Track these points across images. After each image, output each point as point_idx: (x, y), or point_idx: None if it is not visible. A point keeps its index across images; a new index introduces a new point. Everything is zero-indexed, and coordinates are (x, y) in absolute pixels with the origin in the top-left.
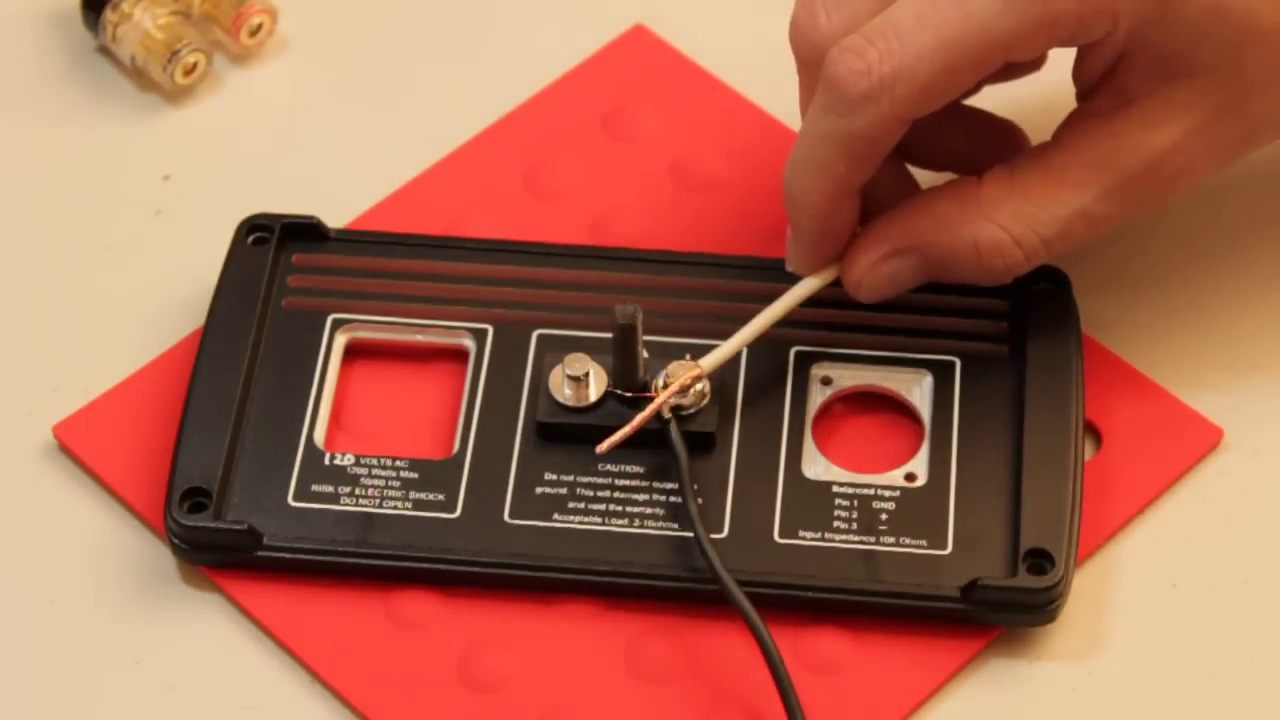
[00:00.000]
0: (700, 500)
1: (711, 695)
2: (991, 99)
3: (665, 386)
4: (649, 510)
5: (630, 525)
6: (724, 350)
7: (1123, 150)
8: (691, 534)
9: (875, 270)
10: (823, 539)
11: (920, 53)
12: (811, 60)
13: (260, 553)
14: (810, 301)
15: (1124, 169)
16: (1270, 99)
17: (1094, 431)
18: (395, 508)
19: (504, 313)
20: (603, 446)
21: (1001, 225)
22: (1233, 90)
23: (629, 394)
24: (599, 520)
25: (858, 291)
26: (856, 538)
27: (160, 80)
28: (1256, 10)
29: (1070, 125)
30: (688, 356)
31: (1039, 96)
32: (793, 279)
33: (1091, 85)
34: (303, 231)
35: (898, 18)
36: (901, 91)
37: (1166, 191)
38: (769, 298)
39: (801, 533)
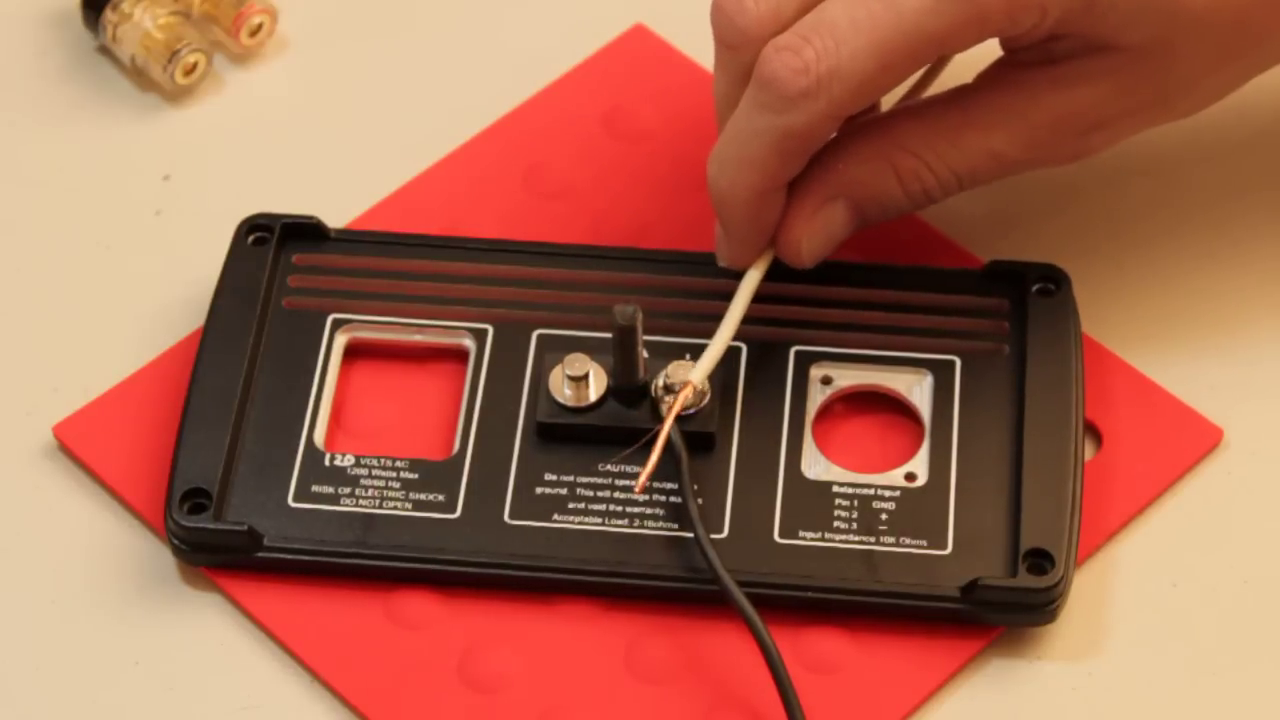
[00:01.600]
0: (700, 500)
1: (711, 695)
2: None
3: (665, 387)
4: (649, 510)
5: (630, 525)
6: (709, 359)
7: (1034, 101)
8: (691, 534)
9: (811, 227)
10: (823, 539)
11: (855, 52)
12: (734, 43)
13: (260, 553)
14: (810, 301)
15: (1033, 118)
16: (1188, 72)
17: (1094, 431)
18: (395, 508)
19: (504, 313)
20: (639, 488)
21: (913, 152)
22: (1154, 63)
23: (629, 394)
24: (599, 520)
25: (799, 257)
26: (856, 538)
27: (160, 80)
28: (1185, 1)
29: (990, 72)
30: (687, 356)
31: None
32: (728, 273)
33: (1016, 49)
34: (303, 231)
35: (831, 17)
36: (838, 90)
37: (1077, 145)
38: (770, 296)
39: (801, 533)
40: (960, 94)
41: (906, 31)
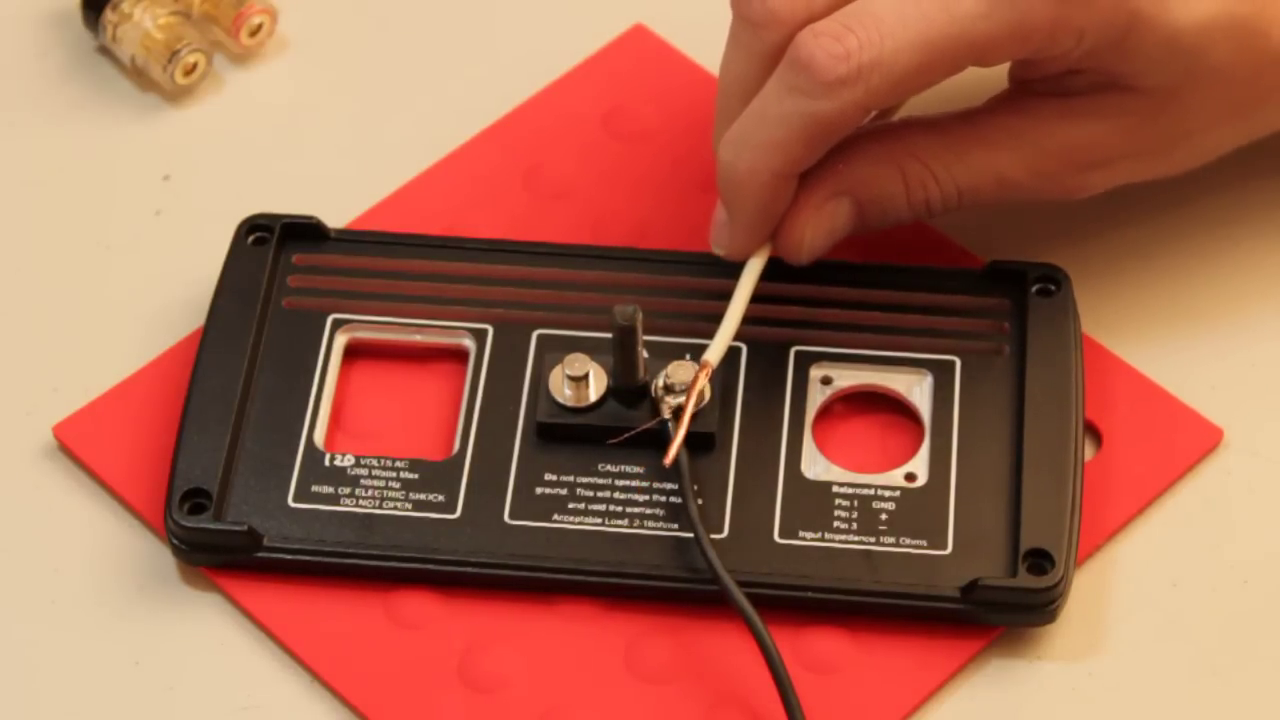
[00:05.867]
0: (700, 500)
1: (711, 695)
2: None
3: (665, 387)
4: (649, 510)
5: (630, 526)
6: (721, 341)
7: (1044, 128)
8: (691, 534)
9: (815, 221)
10: (823, 539)
11: (899, 46)
12: (760, 21)
13: (260, 553)
14: (810, 301)
15: (1042, 145)
16: (1192, 124)
17: (1094, 431)
18: (395, 508)
19: (504, 313)
20: (669, 459)
21: (923, 161)
22: (1163, 109)
23: (629, 394)
24: (599, 521)
25: (799, 251)
26: (856, 538)
27: (160, 80)
28: (1208, 50)
29: (1002, 97)
30: (687, 356)
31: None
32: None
33: (1031, 79)
34: (303, 231)
35: (877, 11)
36: (876, 82)
37: (1077, 180)
38: (770, 296)
39: (801, 533)
40: (972, 113)
41: (954, 34)
